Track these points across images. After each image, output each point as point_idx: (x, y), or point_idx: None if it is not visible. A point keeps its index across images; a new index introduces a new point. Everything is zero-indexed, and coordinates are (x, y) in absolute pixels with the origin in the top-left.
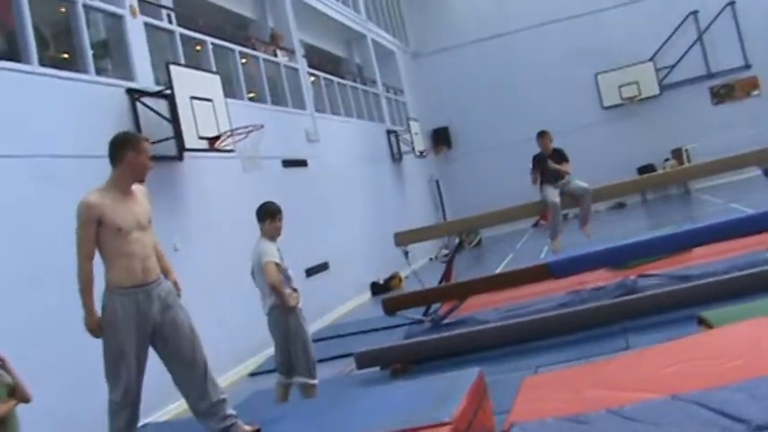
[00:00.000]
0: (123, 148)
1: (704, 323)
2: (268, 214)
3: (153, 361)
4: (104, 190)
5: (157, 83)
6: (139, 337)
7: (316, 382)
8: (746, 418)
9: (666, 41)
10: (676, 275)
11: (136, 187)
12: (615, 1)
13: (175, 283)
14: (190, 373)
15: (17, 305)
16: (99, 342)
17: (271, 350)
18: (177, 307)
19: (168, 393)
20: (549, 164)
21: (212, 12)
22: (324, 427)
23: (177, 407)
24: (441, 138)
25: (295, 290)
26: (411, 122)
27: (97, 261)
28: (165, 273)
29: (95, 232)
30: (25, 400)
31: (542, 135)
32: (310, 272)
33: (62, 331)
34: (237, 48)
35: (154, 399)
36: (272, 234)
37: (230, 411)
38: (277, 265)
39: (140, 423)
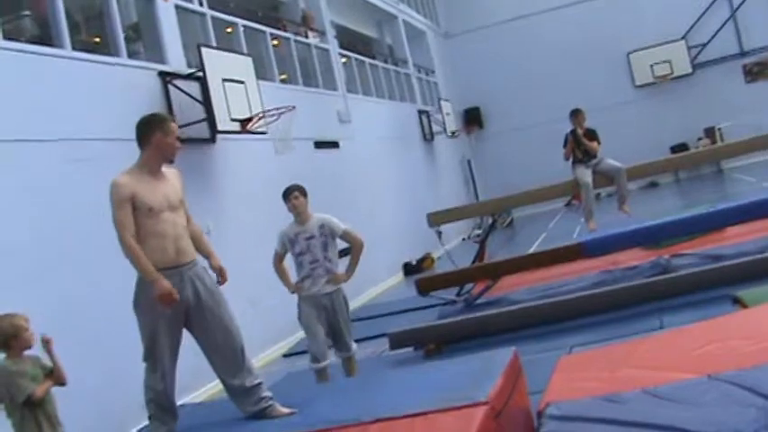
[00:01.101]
0: (150, 130)
1: (739, 302)
2: (283, 196)
3: (188, 342)
4: (133, 171)
5: (189, 65)
6: (172, 318)
7: (313, 366)
8: None
9: (699, 19)
10: (710, 255)
11: (166, 169)
12: None
13: (220, 270)
14: (225, 355)
15: (49, 287)
16: (128, 325)
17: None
18: (213, 289)
19: (204, 374)
20: (581, 139)
21: None
22: (359, 407)
23: (213, 387)
24: (472, 118)
25: (307, 277)
26: (442, 103)
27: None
28: (208, 256)
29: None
30: (61, 382)
31: (576, 113)
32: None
33: (92, 314)
34: (269, 29)
35: (190, 379)
36: (293, 214)
37: (266, 394)
38: (282, 253)
39: (177, 403)
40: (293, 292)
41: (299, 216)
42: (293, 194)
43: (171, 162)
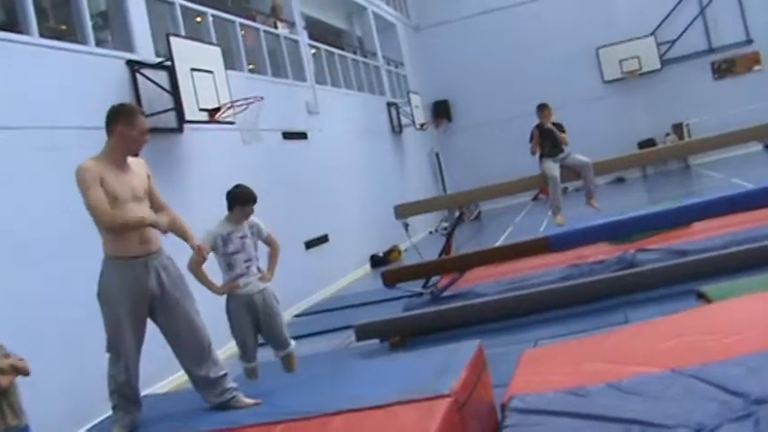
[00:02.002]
0: (115, 120)
1: (703, 297)
2: (242, 203)
3: (153, 332)
4: (98, 159)
5: (158, 54)
6: (136, 308)
7: (245, 365)
8: (744, 392)
9: (668, 16)
10: (675, 250)
11: (132, 160)
12: None
13: (198, 248)
14: (189, 346)
15: (14, 277)
16: (96, 316)
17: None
18: (177, 279)
19: (168, 365)
20: (551, 131)
21: None
22: (323, 399)
23: (177, 378)
24: (441, 111)
25: (242, 275)
26: (411, 95)
27: (95, 231)
28: (184, 236)
29: None
30: (24, 373)
31: (542, 108)
32: (310, 244)
33: (61, 302)
34: (238, 20)
35: (154, 370)
36: (234, 218)
37: (231, 385)
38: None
39: (141, 394)
40: (223, 293)
41: (236, 216)
42: (251, 207)
43: (135, 155)
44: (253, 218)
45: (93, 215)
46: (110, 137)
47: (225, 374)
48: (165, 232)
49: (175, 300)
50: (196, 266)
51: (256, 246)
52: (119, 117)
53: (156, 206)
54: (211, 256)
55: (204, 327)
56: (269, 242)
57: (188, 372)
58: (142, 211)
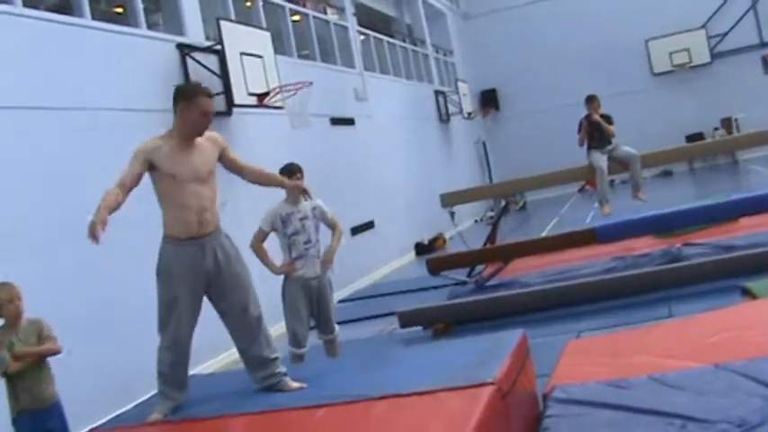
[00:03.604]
0: (178, 99)
1: (748, 293)
2: (289, 174)
3: (203, 312)
4: (165, 137)
5: (208, 38)
6: (191, 288)
7: (295, 351)
8: None
9: (719, 9)
10: (721, 245)
11: (205, 136)
12: None
13: (303, 190)
14: (244, 326)
15: (60, 255)
16: (142, 296)
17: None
18: (234, 259)
19: (214, 346)
20: (599, 123)
21: None
22: (367, 384)
23: (223, 359)
24: (489, 100)
25: (300, 257)
26: (459, 84)
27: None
28: (275, 182)
29: (151, 176)
30: (53, 353)
31: (591, 99)
32: (355, 230)
33: (104, 281)
34: (288, 4)
35: (199, 351)
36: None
37: (280, 369)
38: (267, 232)
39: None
40: (280, 273)
41: (293, 197)
42: (297, 176)
43: (198, 135)
44: (317, 200)
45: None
46: (174, 115)
47: (276, 357)
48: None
49: (231, 279)
50: (257, 244)
51: (318, 228)
52: (181, 96)
53: (239, 170)
54: (273, 236)
55: (259, 307)
56: (332, 225)
57: (241, 351)
58: (205, 191)
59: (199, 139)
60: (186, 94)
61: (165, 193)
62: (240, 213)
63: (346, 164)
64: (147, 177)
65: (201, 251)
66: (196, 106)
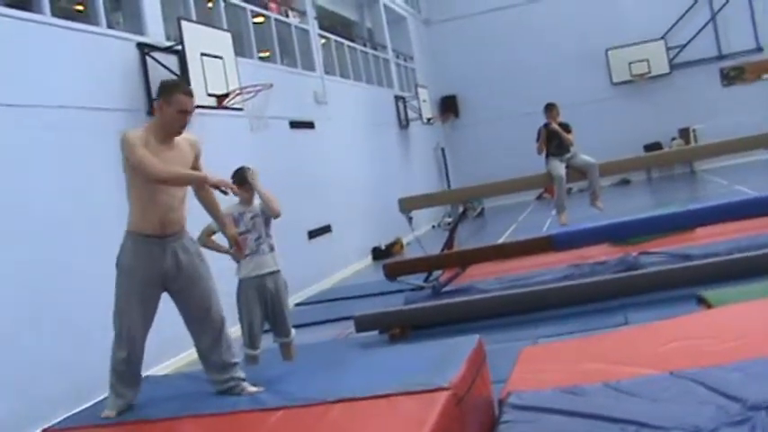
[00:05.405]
0: (159, 95)
1: (704, 302)
2: (241, 181)
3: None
4: (147, 131)
5: (168, 38)
6: (147, 286)
7: (249, 352)
8: (742, 398)
9: (679, 20)
10: (678, 254)
11: (183, 137)
12: None
13: (237, 243)
14: (207, 327)
15: (14, 252)
16: (97, 293)
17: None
18: (197, 261)
19: (169, 347)
20: (558, 132)
21: None
22: (323, 387)
23: (177, 361)
24: (448, 106)
25: (252, 254)
26: (419, 89)
27: (124, 203)
28: (221, 223)
29: (127, 167)
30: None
31: (550, 107)
32: (313, 234)
33: (60, 281)
34: (249, 6)
35: (154, 352)
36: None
37: (239, 374)
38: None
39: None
40: (236, 259)
41: (246, 199)
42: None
43: (176, 133)
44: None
45: (144, 170)
46: (155, 112)
47: (237, 362)
48: (214, 187)
49: (193, 279)
50: (205, 237)
51: (268, 223)
52: (160, 92)
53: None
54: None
55: (221, 309)
56: (267, 200)
57: (201, 353)
58: (177, 191)
59: (178, 139)
60: (165, 91)
61: (137, 187)
62: (201, 214)
63: (305, 167)
64: (119, 170)
65: (161, 251)
66: (174, 103)
